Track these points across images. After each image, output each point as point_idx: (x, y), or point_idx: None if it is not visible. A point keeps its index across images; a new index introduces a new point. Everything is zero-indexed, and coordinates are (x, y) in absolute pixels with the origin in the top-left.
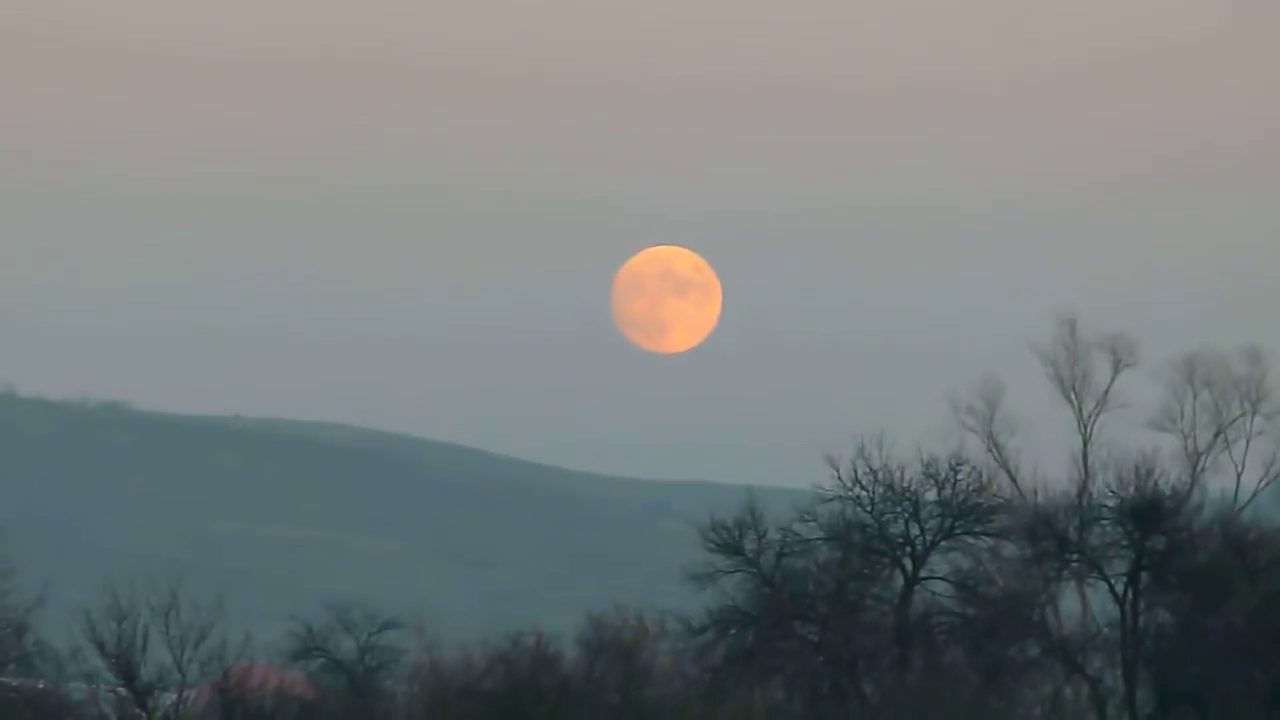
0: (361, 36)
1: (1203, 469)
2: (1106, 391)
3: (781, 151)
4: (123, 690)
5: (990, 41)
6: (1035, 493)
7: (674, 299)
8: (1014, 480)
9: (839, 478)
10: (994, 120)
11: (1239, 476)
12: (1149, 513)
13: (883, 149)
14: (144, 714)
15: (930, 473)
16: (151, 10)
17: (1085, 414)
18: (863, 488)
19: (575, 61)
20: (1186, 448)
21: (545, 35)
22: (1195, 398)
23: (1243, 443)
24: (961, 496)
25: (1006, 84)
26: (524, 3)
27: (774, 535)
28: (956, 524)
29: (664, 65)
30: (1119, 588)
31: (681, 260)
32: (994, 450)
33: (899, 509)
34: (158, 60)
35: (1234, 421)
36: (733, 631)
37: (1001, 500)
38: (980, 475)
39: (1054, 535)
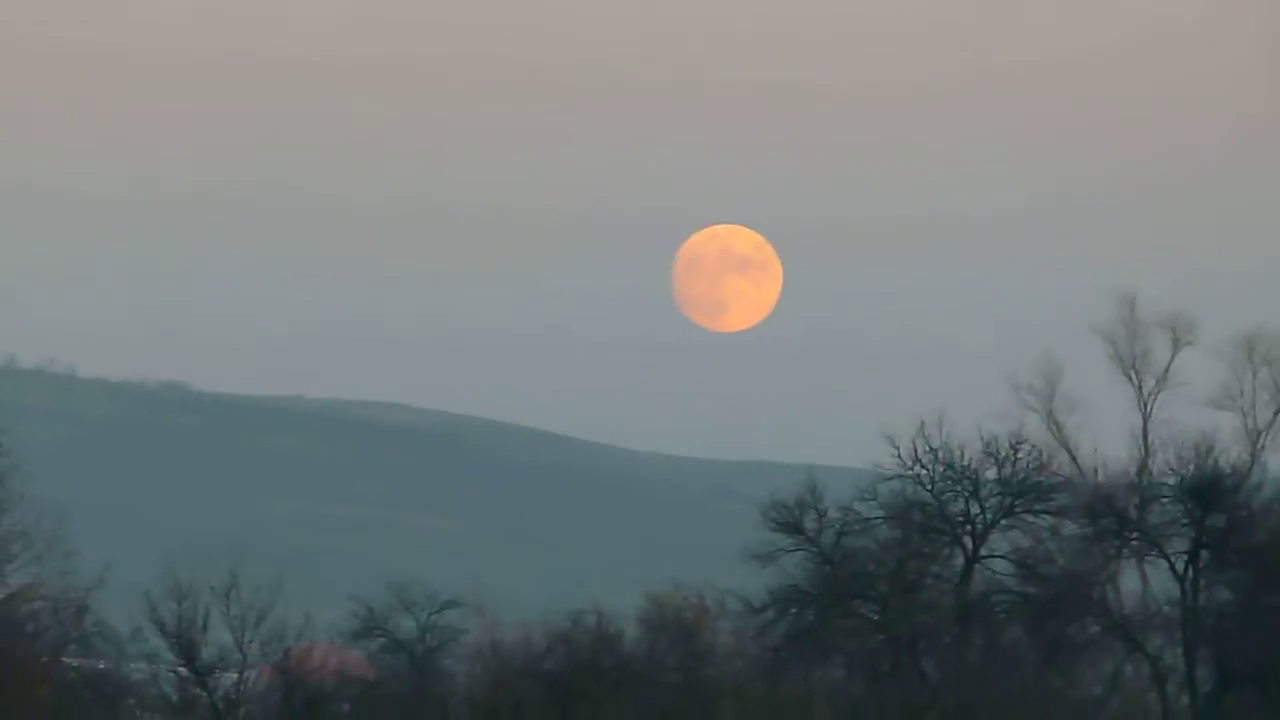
0: (426, 44)
1: (1263, 447)
2: (1166, 370)
3: (835, 138)
4: (183, 670)
5: (1049, 29)
6: (1095, 471)
7: (733, 277)
8: (1074, 459)
9: (899, 456)
10: (1048, 104)
11: None
12: (1209, 491)
13: (937, 133)
14: (204, 694)
15: (990, 451)
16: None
17: (1145, 392)
18: (923, 466)
19: (626, 57)
20: (1246, 426)
21: (599, 34)
22: (1255, 376)
23: None
24: (1021, 475)
25: (1055, 70)
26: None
27: (834, 514)
28: (1016, 503)
29: (712, 71)
30: (1179, 566)
31: (741, 239)
32: (1054, 429)
33: (959, 488)
34: (234, 65)
35: None
36: (793, 610)
37: (1061, 479)
38: (1040, 454)
39: (1114, 514)
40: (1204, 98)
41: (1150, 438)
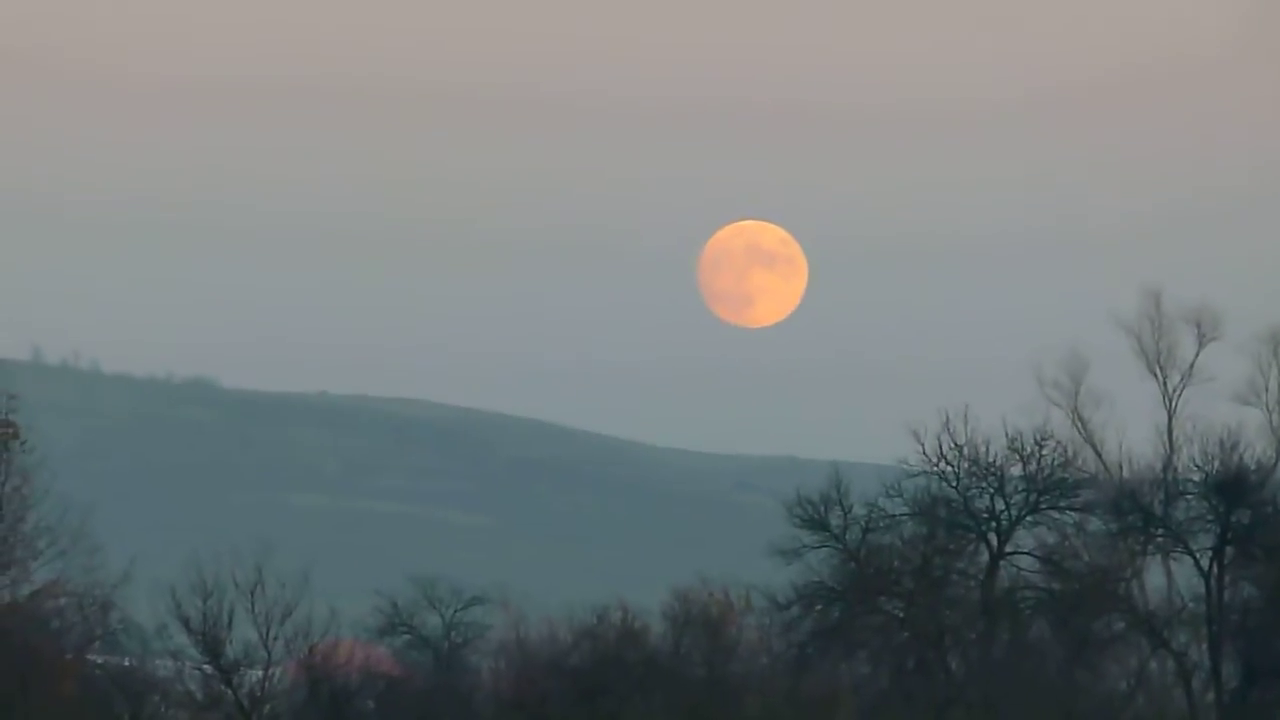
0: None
1: None
2: (1191, 365)
3: (865, 132)
4: (208, 667)
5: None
6: (1120, 467)
7: (760, 271)
8: (1099, 455)
9: (924, 453)
10: (1080, 124)
11: None
12: (1234, 487)
13: (970, 149)
14: (230, 691)
15: (1015, 447)
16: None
17: (1170, 388)
18: (948, 463)
19: (654, 59)
20: (1272, 421)
21: (633, 47)
22: None
23: None
24: (1046, 471)
25: (1087, 91)
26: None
27: (859, 510)
28: (1042, 499)
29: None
30: (1204, 562)
31: (767, 234)
32: (1079, 425)
33: (984, 484)
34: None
35: None
36: (818, 607)
37: (1086, 475)
38: (1065, 450)
39: (1139, 510)
40: (1227, 117)
41: (1175, 433)
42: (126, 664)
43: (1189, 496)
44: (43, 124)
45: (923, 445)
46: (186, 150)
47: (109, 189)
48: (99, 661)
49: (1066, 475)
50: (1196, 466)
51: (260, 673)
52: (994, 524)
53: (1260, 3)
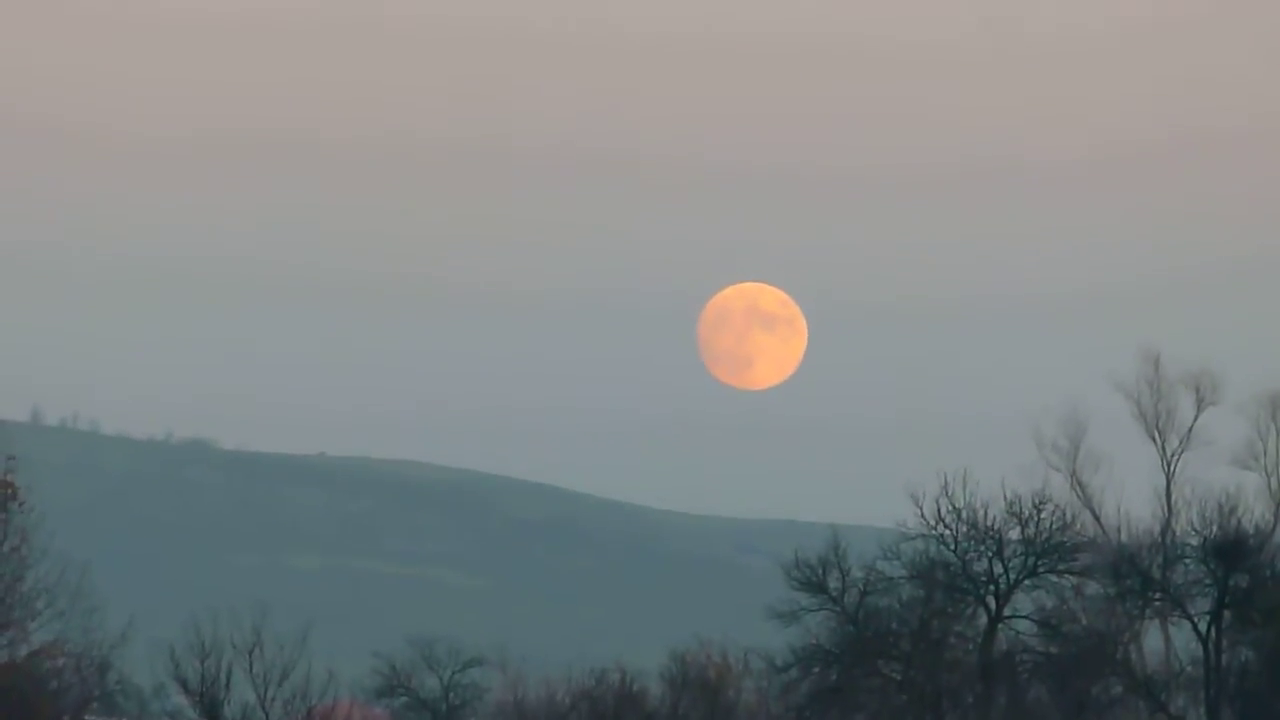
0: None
1: None
2: (1190, 429)
3: (865, 194)
4: None
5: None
6: (1119, 531)
7: (760, 333)
8: (1097, 518)
9: (922, 516)
10: (1071, 191)
11: None
12: (1232, 551)
13: (972, 213)
14: None
15: (1014, 511)
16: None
17: (1169, 452)
18: (946, 526)
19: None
20: (1270, 485)
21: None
22: (1279, 435)
23: None
24: (1045, 535)
25: (1075, 159)
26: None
27: (858, 573)
28: (1040, 562)
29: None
30: (1202, 626)
31: (767, 296)
32: (1077, 488)
33: (982, 547)
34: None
35: None
36: (816, 669)
37: (1085, 538)
38: (1064, 513)
39: (1137, 573)
40: (1229, 183)
41: (1174, 497)
42: None
43: (1187, 560)
44: (40, 184)
45: (921, 508)
46: (185, 210)
47: (108, 249)
48: None
49: (1065, 539)
50: (1195, 530)
51: None
52: (992, 587)
53: (1264, 81)
